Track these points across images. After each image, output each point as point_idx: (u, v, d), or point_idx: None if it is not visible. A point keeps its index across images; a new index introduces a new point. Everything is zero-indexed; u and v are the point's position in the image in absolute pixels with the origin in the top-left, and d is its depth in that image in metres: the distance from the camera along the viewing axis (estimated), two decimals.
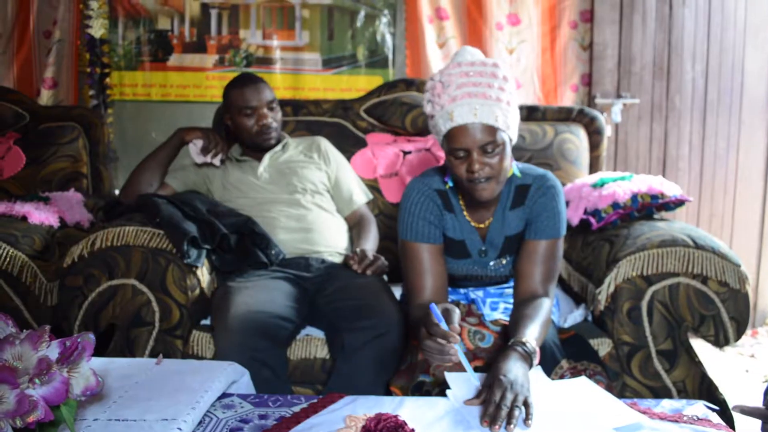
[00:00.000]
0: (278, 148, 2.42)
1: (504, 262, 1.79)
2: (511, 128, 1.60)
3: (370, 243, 2.30)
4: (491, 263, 1.79)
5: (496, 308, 1.80)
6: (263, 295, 1.95)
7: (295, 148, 2.46)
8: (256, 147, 2.39)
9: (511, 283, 1.85)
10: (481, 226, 1.77)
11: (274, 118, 2.37)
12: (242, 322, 1.81)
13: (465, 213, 1.76)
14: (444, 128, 1.59)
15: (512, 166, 1.70)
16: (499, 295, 1.85)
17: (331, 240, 2.27)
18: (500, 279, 1.85)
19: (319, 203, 2.33)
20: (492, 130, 1.55)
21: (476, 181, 1.59)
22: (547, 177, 1.74)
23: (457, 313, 1.33)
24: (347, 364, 1.81)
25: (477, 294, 1.85)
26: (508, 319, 1.71)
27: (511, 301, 1.79)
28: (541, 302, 1.62)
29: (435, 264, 1.72)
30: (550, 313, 1.65)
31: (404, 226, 1.74)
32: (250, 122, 2.34)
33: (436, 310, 1.31)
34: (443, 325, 1.29)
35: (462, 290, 1.88)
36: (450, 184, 1.73)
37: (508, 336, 1.61)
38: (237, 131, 2.39)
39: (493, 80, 1.57)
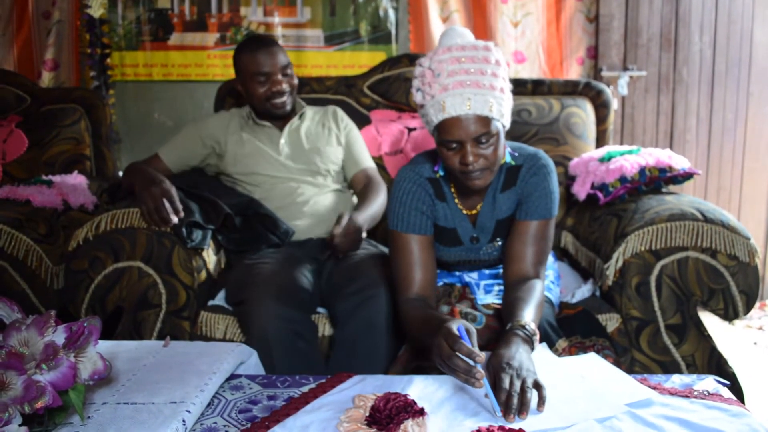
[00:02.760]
0: (295, 118, 2.30)
1: (497, 245, 1.76)
2: (505, 116, 1.53)
3: (368, 211, 2.14)
4: (483, 248, 1.77)
5: (491, 290, 1.77)
6: (287, 267, 1.95)
7: (311, 118, 2.36)
8: (269, 115, 2.27)
9: None
10: (473, 212, 1.72)
11: (289, 83, 2.24)
12: (277, 294, 1.81)
13: (456, 201, 1.71)
14: (435, 119, 1.51)
15: (505, 154, 1.64)
16: (493, 276, 1.82)
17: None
18: (493, 261, 1.82)
19: (339, 180, 2.31)
20: (486, 121, 1.48)
21: (470, 173, 1.54)
22: (539, 156, 1.68)
23: (475, 335, 1.31)
24: (343, 332, 1.81)
25: (471, 277, 1.82)
26: (500, 302, 1.69)
27: None
28: (533, 284, 1.59)
29: (425, 256, 1.67)
30: (543, 295, 1.61)
31: (394, 217, 1.68)
32: (263, 89, 2.21)
33: (463, 330, 1.28)
34: (468, 344, 1.24)
35: (456, 272, 1.85)
36: (441, 173, 1.68)
37: (501, 318, 1.60)
38: (248, 98, 2.27)
39: (486, 66, 1.49)
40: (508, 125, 1.57)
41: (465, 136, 1.49)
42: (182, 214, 1.93)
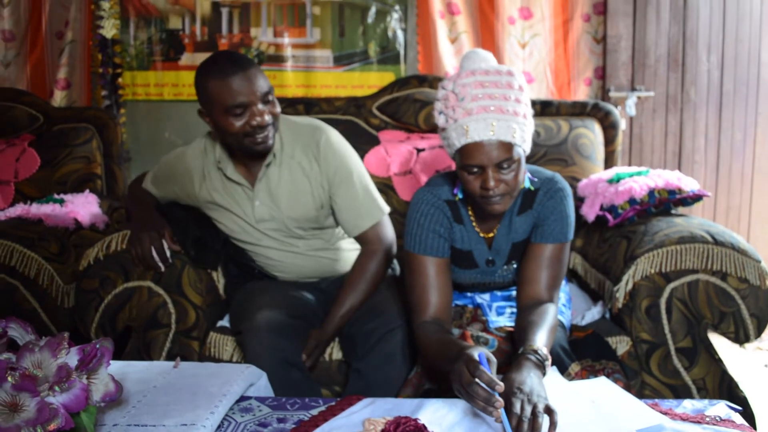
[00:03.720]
0: (264, 166, 1.93)
1: (512, 267, 1.76)
2: (526, 141, 1.54)
3: (341, 310, 1.90)
4: (498, 271, 1.76)
5: (503, 312, 1.77)
6: (286, 295, 1.94)
7: (290, 157, 1.95)
8: (246, 153, 1.89)
9: None
10: (489, 235, 1.72)
11: (271, 113, 1.82)
12: (271, 324, 1.80)
13: (474, 224, 1.71)
14: (458, 143, 1.51)
15: (524, 178, 1.63)
16: (506, 299, 1.82)
17: (344, 263, 2.09)
18: (507, 283, 1.82)
19: (322, 237, 2.06)
20: (509, 147, 1.49)
21: (490, 198, 1.53)
22: (556, 180, 1.69)
23: (495, 364, 1.30)
24: (362, 364, 1.81)
25: (483, 298, 1.82)
26: (512, 324, 1.69)
27: None
28: (546, 308, 1.59)
29: (441, 278, 1.66)
30: (557, 319, 1.60)
31: (411, 238, 1.68)
32: (240, 123, 1.78)
33: (484, 358, 1.27)
34: (489, 372, 1.23)
35: (468, 294, 1.85)
36: (460, 195, 1.68)
37: (513, 341, 1.59)
38: (220, 135, 1.88)
39: (509, 91, 1.50)
40: (528, 150, 1.58)
41: (487, 161, 1.49)
42: (169, 262, 1.90)
